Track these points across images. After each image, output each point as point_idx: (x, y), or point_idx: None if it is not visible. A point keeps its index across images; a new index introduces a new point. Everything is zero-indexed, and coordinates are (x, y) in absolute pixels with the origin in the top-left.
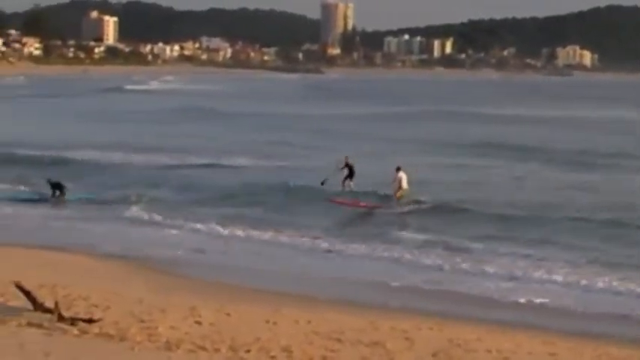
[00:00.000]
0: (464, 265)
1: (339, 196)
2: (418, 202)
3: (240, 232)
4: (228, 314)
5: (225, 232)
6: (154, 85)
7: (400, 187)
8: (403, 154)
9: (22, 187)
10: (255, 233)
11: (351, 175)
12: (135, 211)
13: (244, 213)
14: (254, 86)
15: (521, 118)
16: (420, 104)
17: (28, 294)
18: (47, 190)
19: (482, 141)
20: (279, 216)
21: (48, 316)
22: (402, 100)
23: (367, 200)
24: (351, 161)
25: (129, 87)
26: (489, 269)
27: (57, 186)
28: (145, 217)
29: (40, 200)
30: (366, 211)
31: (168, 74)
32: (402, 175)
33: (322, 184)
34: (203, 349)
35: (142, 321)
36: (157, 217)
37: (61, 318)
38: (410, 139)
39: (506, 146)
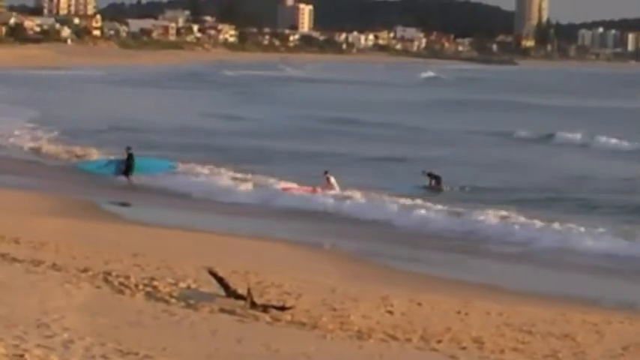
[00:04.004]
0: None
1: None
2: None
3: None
4: (419, 304)
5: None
6: (288, 71)
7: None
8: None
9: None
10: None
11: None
12: None
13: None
14: (393, 75)
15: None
16: (513, 94)
17: (220, 280)
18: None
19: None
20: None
21: (240, 302)
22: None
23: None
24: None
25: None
26: None
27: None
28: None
29: None
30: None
31: (354, 62)
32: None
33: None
34: (394, 338)
35: (334, 309)
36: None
37: (253, 305)
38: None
39: None
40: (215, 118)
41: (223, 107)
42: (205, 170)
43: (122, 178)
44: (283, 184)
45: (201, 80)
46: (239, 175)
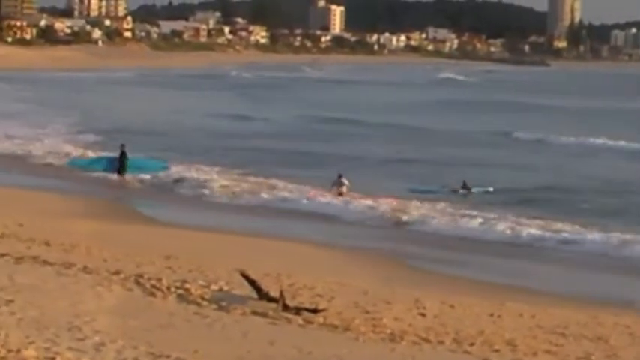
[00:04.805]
0: None
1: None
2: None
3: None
4: (452, 306)
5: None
6: (307, 72)
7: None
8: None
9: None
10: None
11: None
12: None
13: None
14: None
15: None
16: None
17: (252, 282)
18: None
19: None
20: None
21: (272, 305)
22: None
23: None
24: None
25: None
26: None
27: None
28: None
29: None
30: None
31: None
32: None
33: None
34: (427, 341)
35: (367, 312)
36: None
37: (285, 307)
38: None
39: None
40: (236, 121)
41: (244, 109)
42: (226, 174)
43: (115, 176)
44: (312, 192)
45: (226, 83)
46: (258, 179)
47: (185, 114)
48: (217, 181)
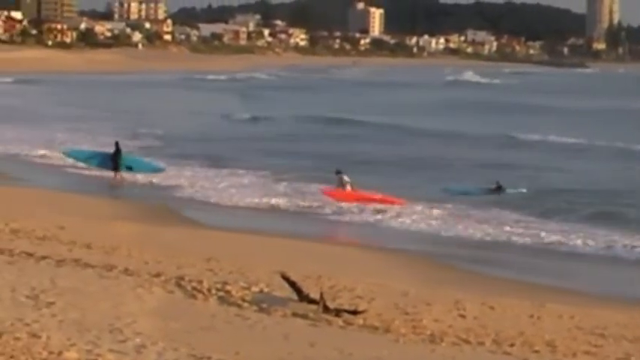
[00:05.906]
0: None
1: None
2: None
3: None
4: (492, 308)
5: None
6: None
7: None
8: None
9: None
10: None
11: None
12: None
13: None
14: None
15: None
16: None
17: (293, 284)
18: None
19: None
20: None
21: (313, 306)
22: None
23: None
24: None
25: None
26: None
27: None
28: None
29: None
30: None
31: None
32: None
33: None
34: (467, 342)
35: (407, 313)
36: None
37: (326, 309)
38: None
39: None
40: (259, 124)
41: (264, 111)
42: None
43: (110, 173)
44: (326, 189)
45: (256, 85)
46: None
47: (222, 118)
48: (248, 184)
